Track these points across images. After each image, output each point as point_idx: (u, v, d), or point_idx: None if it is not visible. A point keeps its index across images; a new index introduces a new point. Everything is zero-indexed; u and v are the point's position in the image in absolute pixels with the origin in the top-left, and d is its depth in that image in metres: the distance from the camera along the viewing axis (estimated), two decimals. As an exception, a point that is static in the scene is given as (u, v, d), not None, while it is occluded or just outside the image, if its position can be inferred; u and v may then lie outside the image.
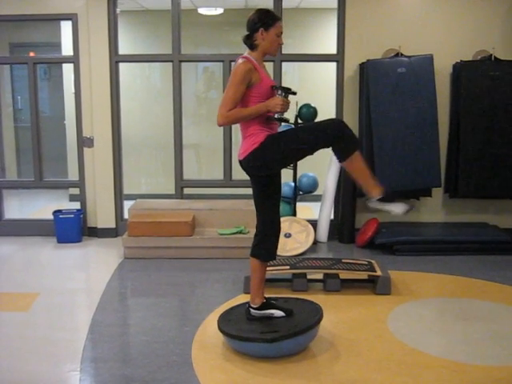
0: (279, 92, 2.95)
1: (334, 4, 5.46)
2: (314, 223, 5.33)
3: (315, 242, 5.28)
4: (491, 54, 5.24)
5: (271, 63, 5.39)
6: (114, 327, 3.50)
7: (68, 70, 6.57)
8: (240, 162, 3.07)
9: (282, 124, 3.58)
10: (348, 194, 5.40)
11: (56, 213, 5.59)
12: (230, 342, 3.11)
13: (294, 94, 3.04)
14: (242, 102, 2.93)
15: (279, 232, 3.18)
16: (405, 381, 2.80)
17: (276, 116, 2.99)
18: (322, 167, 5.59)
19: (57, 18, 5.74)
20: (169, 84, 5.69)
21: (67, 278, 4.53)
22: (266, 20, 2.95)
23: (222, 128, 5.50)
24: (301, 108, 5.35)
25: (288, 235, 5.16)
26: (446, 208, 5.63)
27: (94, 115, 5.55)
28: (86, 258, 5.22)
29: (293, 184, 5.47)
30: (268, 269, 3.30)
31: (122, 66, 5.66)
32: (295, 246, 5.09)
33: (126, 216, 5.61)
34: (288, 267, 4.10)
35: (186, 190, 5.86)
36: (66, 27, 6.09)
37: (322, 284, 4.10)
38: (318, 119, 5.23)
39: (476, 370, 2.89)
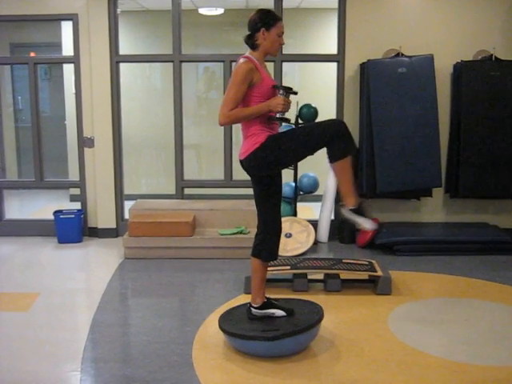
0: (280, 92, 2.95)
1: (335, 4, 5.46)
2: (314, 223, 5.33)
3: (316, 242, 5.28)
4: (492, 54, 5.24)
5: (272, 63, 5.39)
6: (114, 327, 3.50)
7: (68, 70, 6.57)
8: (241, 161, 3.08)
9: (283, 124, 3.58)
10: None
11: (56, 213, 5.59)
12: (231, 340, 3.11)
13: (295, 93, 3.05)
14: (243, 101, 2.94)
15: (280, 232, 3.18)
16: (405, 381, 2.80)
17: (277, 116, 3.00)
18: (322, 167, 5.56)
19: (57, 19, 5.75)
20: (169, 84, 5.69)
21: (68, 278, 4.53)
22: (267, 20, 2.96)
23: (222, 128, 5.50)
24: (301, 108, 5.35)
25: (289, 235, 5.16)
26: (447, 208, 5.63)
27: (95, 115, 5.55)
28: (87, 258, 5.22)
29: (293, 184, 5.47)
30: (269, 269, 3.31)
31: (122, 66, 5.67)
32: (296, 246, 5.09)
33: (126, 216, 5.62)
34: (289, 267, 4.10)
35: (187, 191, 5.86)
36: (67, 27, 6.10)
37: (322, 284, 4.11)
38: (318, 119, 5.23)
39: (476, 370, 2.89)
